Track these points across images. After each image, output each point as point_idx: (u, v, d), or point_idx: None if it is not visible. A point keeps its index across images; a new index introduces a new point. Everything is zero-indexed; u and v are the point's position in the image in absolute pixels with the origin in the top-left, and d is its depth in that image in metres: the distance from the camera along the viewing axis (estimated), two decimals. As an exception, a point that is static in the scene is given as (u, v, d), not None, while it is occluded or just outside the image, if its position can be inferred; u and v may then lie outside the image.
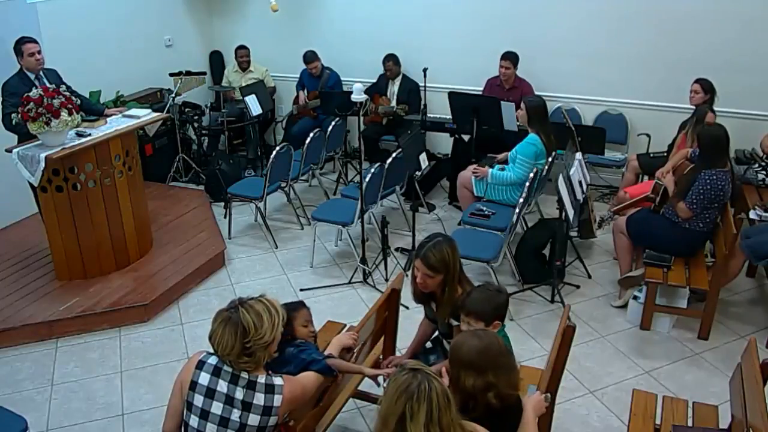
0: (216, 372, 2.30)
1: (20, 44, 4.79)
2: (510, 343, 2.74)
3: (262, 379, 2.30)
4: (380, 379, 2.86)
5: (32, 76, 4.85)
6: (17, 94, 4.46)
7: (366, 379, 3.31)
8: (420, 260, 2.84)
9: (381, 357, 3.32)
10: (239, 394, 2.27)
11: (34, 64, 4.81)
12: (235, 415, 2.27)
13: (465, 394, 2.18)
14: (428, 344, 3.23)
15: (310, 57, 6.74)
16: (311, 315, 2.87)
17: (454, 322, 2.88)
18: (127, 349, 4.22)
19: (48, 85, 4.80)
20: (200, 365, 2.33)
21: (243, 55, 7.13)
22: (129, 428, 3.55)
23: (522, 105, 4.93)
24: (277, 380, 2.32)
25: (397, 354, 3.36)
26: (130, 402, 3.74)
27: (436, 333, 3.19)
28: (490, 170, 5.04)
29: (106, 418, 3.62)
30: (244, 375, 2.29)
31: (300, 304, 2.87)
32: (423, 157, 5.11)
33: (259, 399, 2.27)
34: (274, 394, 2.29)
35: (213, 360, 2.33)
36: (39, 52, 4.82)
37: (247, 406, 2.27)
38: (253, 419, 2.27)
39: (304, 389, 2.40)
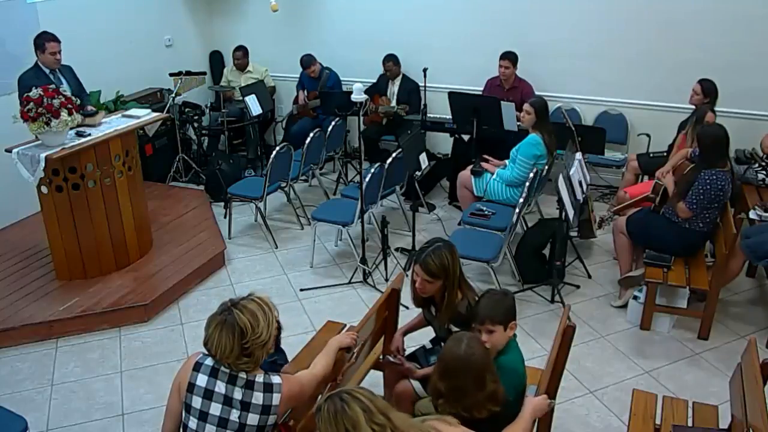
0: (213, 373, 2.30)
1: (43, 39, 4.89)
2: (522, 361, 2.74)
3: (260, 378, 2.30)
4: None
5: (47, 71, 4.94)
6: (36, 87, 4.47)
7: (366, 378, 3.33)
8: (419, 266, 2.83)
9: (381, 357, 3.32)
10: (238, 394, 2.27)
11: (53, 62, 4.94)
12: (234, 415, 2.26)
13: (430, 388, 2.34)
14: (428, 345, 3.23)
15: (306, 61, 6.73)
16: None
17: (454, 328, 2.87)
18: (127, 349, 4.22)
19: (63, 81, 4.95)
20: (197, 367, 2.33)
21: (238, 57, 7.12)
22: (129, 428, 3.55)
23: (528, 108, 4.87)
24: (275, 379, 2.32)
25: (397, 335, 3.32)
26: (130, 402, 3.74)
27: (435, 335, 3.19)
28: (498, 169, 5.10)
29: (106, 418, 3.62)
30: (242, 375, 2.28)
31: None
32: (423, 157, 5.10)
33: (258, 398, 2.27)
34: (273, 393, 2.29)
35: (210, 361, 2.32)
36: (59, 52, 4.93)
37: (246, 406, 2.27)
38: (252, 419, 2.27)
39: (302, 387, 2.40)
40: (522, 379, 2.66)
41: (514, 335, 2.73)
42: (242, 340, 2.22)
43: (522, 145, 4.90)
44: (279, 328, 2.81)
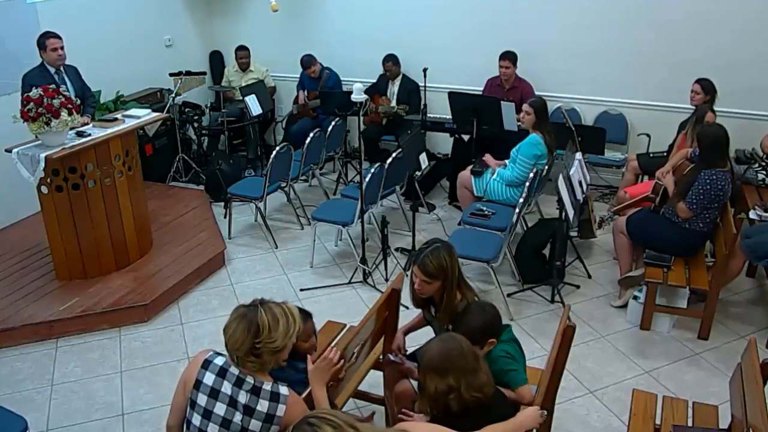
0: (221, 373, 2.29)
1: (44, 38, 4.90)
2: (519, 349, 2.76)
3: (267, 386, 2.27)
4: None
5: (52, 70, 4.95)
6: (36, 86, 4.48)
7: (366, 379, 3.33)
8: (417, 267, 2.83)
9: (381, 357, 3.32)
10: (243, 398, 2.25)
11: (56, 59, 4.94)
12: (237, 418, 2.25)
13: (428, 397, 2.29)
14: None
15: (307, 62, 6.73)
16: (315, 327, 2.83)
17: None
18: (127, 349, 4.22)
19: (66, 81, 4.96)
20: (206, 364, 2.32)
21: (243, 56, 7.13)
22: (129, 428, 3.55)
23: (527, 109, 4.86)
24: (283, 390, 2.29)
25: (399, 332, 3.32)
26: (130, 402, 3.74)
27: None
28: (498, 169, 5.11)
29: (106, 418, 3.62)
30: (249, 379, 2.26)
31: (306, 316, 2.76)
32: (423, 157, 5.11)
33: (263, 406, 2.25)
34: (278, 403, 2.26)
35: (219, 360, 2.32)
36: (62, 48, 4.95)
37: (249, 411, 2.25)
38: (255, 425, 2.24)
39: (306, 409, 2.37)
40: (513, 364, 2.68)
41: (510, 330, 2.75)
42: (255, 339, 2.21)
43: (522, 145, 4.90)
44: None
